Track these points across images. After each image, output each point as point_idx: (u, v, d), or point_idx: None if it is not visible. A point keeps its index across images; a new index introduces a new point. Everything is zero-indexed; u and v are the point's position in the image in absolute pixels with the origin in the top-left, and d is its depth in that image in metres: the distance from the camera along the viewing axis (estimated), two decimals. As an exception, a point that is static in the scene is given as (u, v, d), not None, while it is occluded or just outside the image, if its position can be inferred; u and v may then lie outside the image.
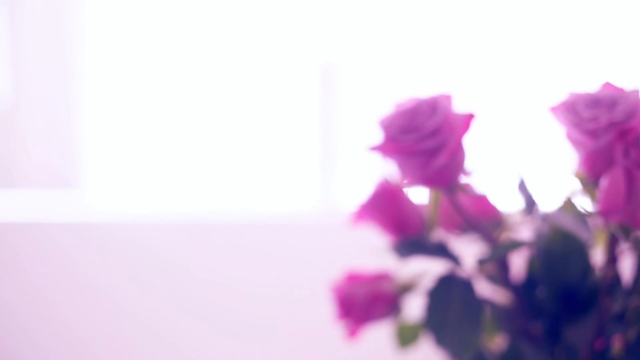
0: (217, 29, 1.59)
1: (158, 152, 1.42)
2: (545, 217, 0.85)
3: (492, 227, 0.90)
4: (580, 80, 1.48)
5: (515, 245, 0.81)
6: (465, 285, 0.81)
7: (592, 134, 0.76)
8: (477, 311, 0.80)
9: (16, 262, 1.31)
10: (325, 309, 1.01)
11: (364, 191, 0.90)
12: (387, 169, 0.89)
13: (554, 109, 0.79)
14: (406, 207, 0.89)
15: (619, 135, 0.74)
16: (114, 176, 1.39)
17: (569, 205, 0.86)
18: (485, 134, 0.87)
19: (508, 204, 0.92)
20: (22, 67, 1.56)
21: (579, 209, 0.84)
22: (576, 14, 1.67)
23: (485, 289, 0.86)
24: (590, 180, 0.78)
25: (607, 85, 0.78)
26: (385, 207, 0.89)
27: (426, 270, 0.88)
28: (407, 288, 0.89)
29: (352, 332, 0.88)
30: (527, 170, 0.92)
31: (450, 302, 0.80)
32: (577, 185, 0.86)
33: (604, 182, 0.76)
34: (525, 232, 0.87)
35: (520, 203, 0.88)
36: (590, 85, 0.80)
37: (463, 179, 0.82)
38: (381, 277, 0.90)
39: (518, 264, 0.87)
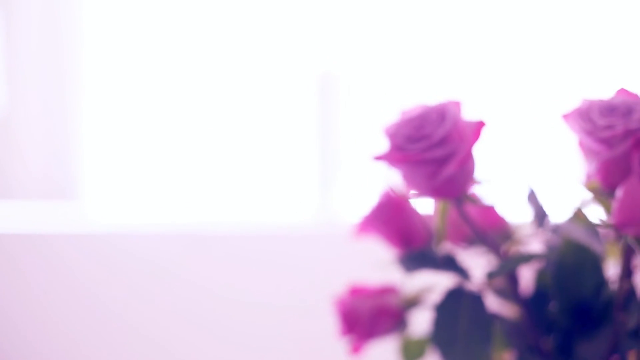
0: (217, 40, 1.57)
1: (156, 163, 1.39)
2: (556, 229, 0.82)
3: (500, 239, 0.87)
4: (591, 86, 1.45)
5: (527, 258, 0.78)
6: (475, 300, 0.78)
7: (607, 142, 0.73)
8: (486, 326, 0.77)
9: (14, 272, 1.29)
10: (327, 323, 0.98)
11: (368, 202, 0.87)
12: (392, 179, 0.86)
13: (566, 117, 0.76)
14: (412, 219, 0.86)
15: (635, 144, 0.71)
16: (112, 187, 1.36)
17: (579, 216, 0.83)
18: (492, 143, 0.84)
19: (516, 215, 0.89)
20: (18, 77, 1.54)
21: (591, 220, 0.81)
22: (588, 20, 1.65)
23: (493, 303, 0.83)
24: (604, 190, 0.75)
25: (622, 91, 0.75)
26: (390, 219, 0.86)
27: (432, 283, 0.85)
28: (413, 302, 0.86)
29: (357, 347, 0.85)
30: (537, 180, 0.89)
31: (459, 317, 0.77)
32: (587, 195, 0.84)
33: (619, 192, 0.73)
34: (534, 244, 0.84)
35: (529, 214, 0.85)
36: (603, 92, 0.77)
37: (471, 190, 0.79)
38: (386, 291, 0.87)
39: (526, 277, 0.84)
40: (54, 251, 1.28)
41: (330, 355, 1.09)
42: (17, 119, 1.49)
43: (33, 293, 1.27)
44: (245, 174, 1.27)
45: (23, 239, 1.29)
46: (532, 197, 0.84)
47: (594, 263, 0.78)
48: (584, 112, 0.74)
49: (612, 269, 0.81)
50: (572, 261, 0.78)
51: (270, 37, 1.60)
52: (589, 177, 0.84)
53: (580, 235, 0.78)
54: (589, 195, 0.84)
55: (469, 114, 0.77)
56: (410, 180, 0.77)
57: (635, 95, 0.75)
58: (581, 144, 0.77)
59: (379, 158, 0.77)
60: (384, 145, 0.78)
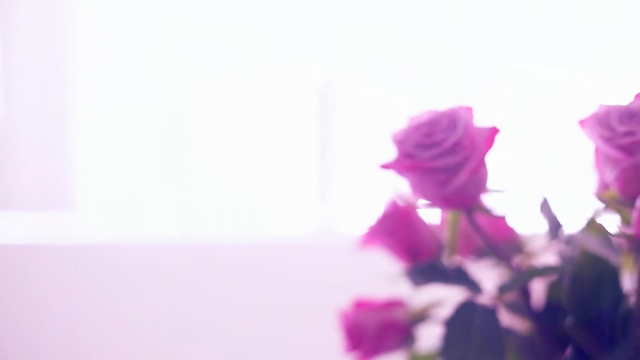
0: (216, 50, 1.56)
1: (155, 173, 1.36)
2: (570, 240, 0.79)
3: (510, 250, 0.84)
4: (607, 90, 1.42)
5: (542, 271, 0.74)
6: (487, 314, 0.74)
7: (627, 149, 0.70)
8: (499, 342, 0.74)
9: (10, 283, 1.26)
10: (331, 338, 0.95)
11: (373, 212, 0.84)
12: (399, 188, 0.83)
13: (583, 123, 0.73)
14: (419, 230, 0.83)
15: (657, 151, 0.68)
16: (109, 197, 1.32)
17: (593, 226, 0.80)
18: (502, 150, 0.81)
19: (525, 225, 0.86)
20: (16, 87, 1.51)
21: (605, 230, 0.78)
22: (601, 25, 1.62)
23: (504, 318, 0.80)
24: (623, 199, 0.72)
25: (641, 96, 0.72)
26: (397, 229, 0.83)
27: (441, 297, 0.82)
28: (421, 316, 0.82)
29: (362, 364, 0.82)
30: (548, 189, 0.86)
31: (471, 333, 0.74)
32: (600, 204, 0.80)
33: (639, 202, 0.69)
34: (547, 256, 0.81)
35: (542, 225, 0.82)
36: (620, 97, 0.74)
37: (482, 199, 0.76)
38: (392, 305, 0.83)
39: (537, 290, 0.81)
40: (50, 262, 1.25)
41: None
42: (13, 129, 1.46)
43: (31, 303, 1.24)
44: (244, 182, 1.23)
45: (18, 250, 1.25)
46: (545, 207, 0.80)
47: (612, 275, 0.74)
48: (602, 118, 0.71)
49: (627, 282, 0.77)
50: (589, 274, 0.74)
51: (270, 46, 1.57)
52: (606, 185, 0.81)
53: (595, 246, 0.75)
54: (602, 204, 0.81)
55: (480, 120, 0.74)
56: (419, 189, 0.74)
57: (656, 100, 0.71)
58: (598, 151, 0.73)
59: (386, 166, 0.74)
60: (391, 152, 0.74)
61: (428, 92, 1.54)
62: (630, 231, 0.70)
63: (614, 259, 0.75)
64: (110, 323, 1.25)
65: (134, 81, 1.55)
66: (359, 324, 0.83)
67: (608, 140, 0.70)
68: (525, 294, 0.78)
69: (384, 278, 0.82)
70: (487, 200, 0.77)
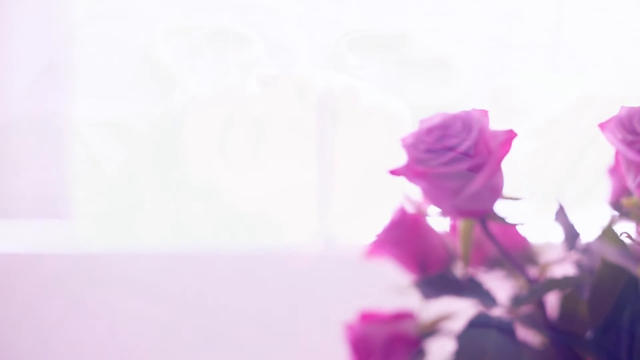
0: (211, 54, 1.51)
1: (152, 179, 1.32)
2: (588, 250, 0.76)
3: (523, 261, 0.80)
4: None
5: (562, 282, 0.70)
6: (503, 328, 0.70)
7: (651, 154, 0.66)
8: (515, 357, 0.70)
9: (7, 293, 1.22)
10: (334, 349, 0.91)
11: (379, 221, 0.80)
12: (407, 195, 0.79)
13: (603, 126, 0.69)
14: (429, 239, 0.79)
15: (684, 156, 0.64)
16: (105, 206, 1.28)
17: (610, 234, 0.76)
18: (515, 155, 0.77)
19: (538, 234, 0.83)
20: (8, 96, 1.48)
21: (623, 239, 0.75)
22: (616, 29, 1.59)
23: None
24: (646, 207, 0.68)
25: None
26: (406, 239, 0.79)
27: (452, 310, 0.78)
28: (431, 330, 0.79)
29: (369, 380, 0.78)
30: (563, 196, 0.83)
31: (485, 347, 0.70)
32: (616, 212, 0.77)
33: (664, 209, 0.66)
34: (563, 266, 0.77)
35: (557, 233, 0.78)
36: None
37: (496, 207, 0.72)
38: (401, 317, 0.80)
39: (551, 303, 0.77)
40: (46, 271, 1.21)
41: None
42: (8, 136, 1.43)
43: (26, 313, 1.20)
44: (242, 189, 1.19)
45: (14, 259, 1.22)
46: (561, 215, 0.77)
47: (634, 287, 0.70)
48: (624, 120, 0.67)
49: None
50: (610, 285, 0.70)
51: (267, 50, 1.54)
52: (621, 192, 0.78)
53: (615, 256, 0.71)
54: (618, 212, 0.78)
55: (495, 124, 0.70)
56: (431, 196, 0.70)
57: (681, 102, 0.68)
58: (619, 156, 0.69)
59: (395, 172, 0.70)
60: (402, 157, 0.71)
61: (431, 99, 1.50)
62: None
63: (633, 268, 0.71)
64: (106, 332, 1.21)
65: (130, 88, 1.51)
66: (366, 337, 0.79)
67: (630, 144, 0.67)
68: (541, 306, 0.74)
69: (392, 289, 0.78)
70: (500, 208, 0.73)
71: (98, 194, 1.27)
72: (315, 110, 1.15)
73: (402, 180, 1.16)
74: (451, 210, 0.70)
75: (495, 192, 0.69)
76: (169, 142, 1.20)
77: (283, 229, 1.16)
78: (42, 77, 1.53)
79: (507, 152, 0.68)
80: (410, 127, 1.17)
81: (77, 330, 1.21)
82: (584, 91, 1.12)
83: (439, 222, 0.80)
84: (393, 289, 0.78)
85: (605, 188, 0.94)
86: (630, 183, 0.68)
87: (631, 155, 0.67)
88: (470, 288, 0.72)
